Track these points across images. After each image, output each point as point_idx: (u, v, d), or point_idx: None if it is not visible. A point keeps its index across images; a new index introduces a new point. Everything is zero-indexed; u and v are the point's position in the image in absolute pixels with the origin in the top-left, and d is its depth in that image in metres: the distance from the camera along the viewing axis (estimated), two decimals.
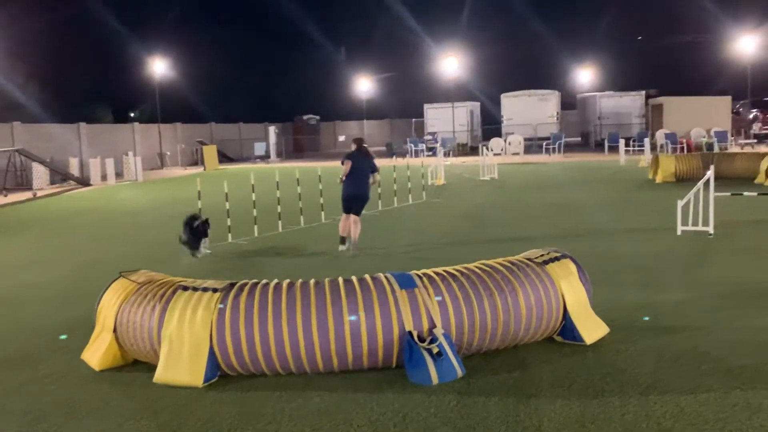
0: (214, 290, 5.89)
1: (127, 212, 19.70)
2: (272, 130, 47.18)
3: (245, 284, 5.98)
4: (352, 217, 11.68)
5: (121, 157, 35.01)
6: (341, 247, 11.71)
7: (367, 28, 76.45)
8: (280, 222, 14.22)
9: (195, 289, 5.96)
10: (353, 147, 11.84)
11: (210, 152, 39.15)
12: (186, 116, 50.05)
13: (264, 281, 6.03)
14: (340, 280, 5.96)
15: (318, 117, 59.08)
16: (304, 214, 14.94)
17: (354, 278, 5.98)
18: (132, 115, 63.44)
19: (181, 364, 5.72)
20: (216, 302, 5.78)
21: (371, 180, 11.73)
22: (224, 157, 44.99)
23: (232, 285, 5.97)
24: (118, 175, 33.67)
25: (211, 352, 5.72)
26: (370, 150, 12.28)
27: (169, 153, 44.44)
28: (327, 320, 5.63)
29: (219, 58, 67.00)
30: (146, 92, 50.22)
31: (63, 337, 7.31)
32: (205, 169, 37.54)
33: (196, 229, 11.48)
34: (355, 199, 11.65)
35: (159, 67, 44.98)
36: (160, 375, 5.77)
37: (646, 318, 7.08)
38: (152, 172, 38.18)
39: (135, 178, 32.81)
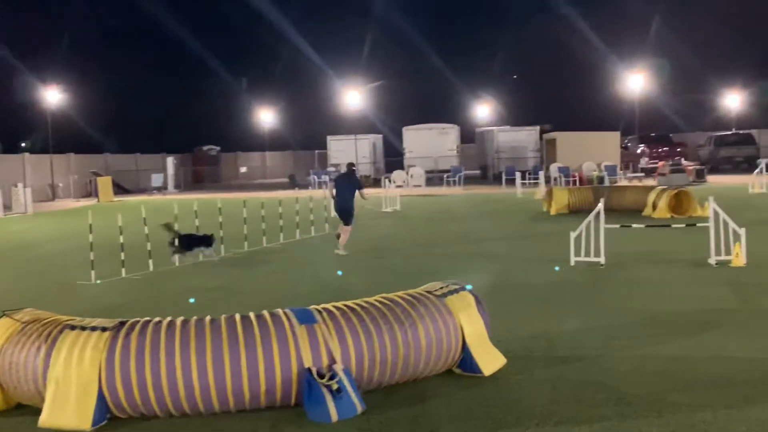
0: (103, 329, 5.64)
1: (15, 246, 18.79)
2: (170, 160, 46.22)
3: (136, 322, 5.75)
4: (342, 226, 14.67)
5: (10, 188, 33.46)
6: (336, 250, 14.57)
7: (269, 59, 76.37)
8: (176, 256, 13.85)
9: (83, 328, 5.69)
10: (344, 170, 15.56)
11: (104, 183, 37.95)
12: (80, 146, 48.41)
13: (156, 319, 5.82)
14: (237, 316, 5.81)
15: (218, 148, 58.29)
16: None
17: (251, 314, 5.86)
18: (23, 145, 60.90)
19: (68, 406, 5.44)
20: (105, 342, 5.53)
21: (362, 194, 15.01)
22: (120, 189, 43.65)
23: (122, 323, 5.73)
24: (7, 207, 32.10)
25: (100, 394, 5.46)
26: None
27: (61, 184, 42.80)
28: (223, 359, 5.47)
29: (116, 87, 65.44)
30: (38, 122, 48.40)
31: None
32: (98, 201, 36.32)
33: (187, 242, 13.79)
34: (340, 212, 14.79)
35: (52, 96, 43.43)
36: (46, 419, 5.46)
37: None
38: (43, 204, 36.62)
39: (24, 210, 31.39)
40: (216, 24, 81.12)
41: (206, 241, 14.01)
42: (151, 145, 55.46)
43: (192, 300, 9.94)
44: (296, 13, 75.91)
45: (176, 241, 13.71)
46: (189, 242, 13.85)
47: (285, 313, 5.85)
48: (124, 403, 5.50)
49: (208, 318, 5.82)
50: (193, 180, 53.60)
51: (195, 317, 5.88)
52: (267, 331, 5.63)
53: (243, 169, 59.25)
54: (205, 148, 56.93)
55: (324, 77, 64.76)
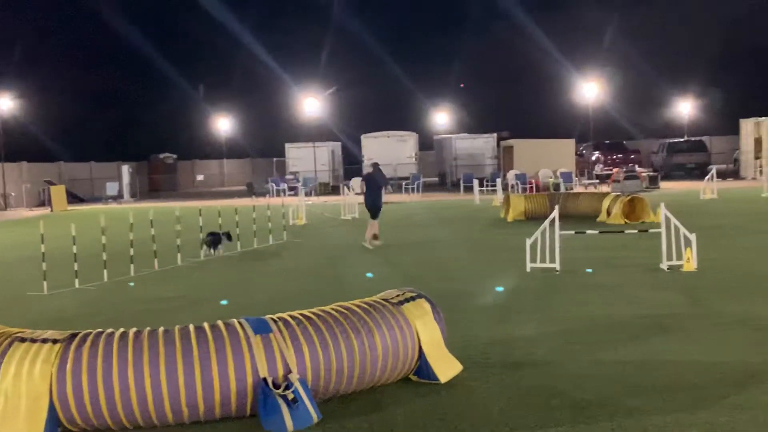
0: (54, 341, 5.54)
1: None
2: (126, 169, 45.58)
3: (88, 334, 5.66)
4: (371, 222, 16.48)
5: None
6: (364, 243, 16.58)
7: (226, 66, 75.90)
8: (132, 266, 13.66)
9: (33, 340, 5.58)
10: (371, 170, 17.31)
11: (58, 192, 37.25)
12: (33, 155, 47.45)
13: (109, 330, 5.74)
14: (191, 327, 5.76)
15: (175, 156, 57.63)
16: (158, 256, 14.44)
17: (206, 325, 5.81)
18: None
19: (17, 420, 5.33)
20: (56, 354, 5.43)
21: (384, 191, 16.88)
22: (74, 198, 42.90)
23: (74, 335, 5.64)
24: None
25: (51, 407, 5.36)
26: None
27: (13, 194, 41.89)
28: (176, 370, 5.42)
29: (70, 94, 64.41)
30: None
31: None
32: (52, 211, 35.66)
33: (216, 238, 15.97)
34: (371, 207, 16.54)
35: (3, 104, 42.57)
36: None
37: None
38: None
39: None
40: (172, 31, 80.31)
41: (227, 237, 16.21)
42: (106, 153, 54.73)
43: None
44: (254, 20, 75.68)
45: (208, 239, 15.95)
46: (215, 239, 15.93)
47: (240, 323, 5.81)
48: (76, 416, 5.41)
49: (161, 329, 5.76)
50: (149, 188, 52.91)
51: (148, 328, 5.81)
52: (221, 342, 5.58)
53: (200, 177, 58.65)
54: (162, 156, 56.25)
55: (282, 84, 64.62)
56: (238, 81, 73.42)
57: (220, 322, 5.85)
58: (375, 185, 16.79)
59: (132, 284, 12.39)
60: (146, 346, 5.53)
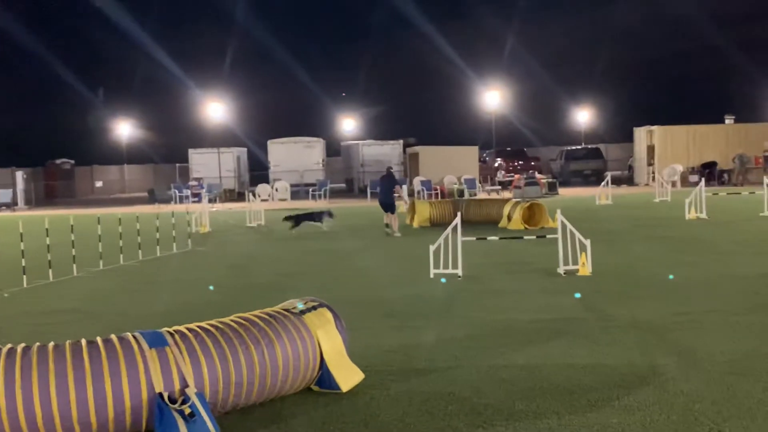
0: None
1: None
2: (20, 175, 43.75)
3: None
4: (389, 215, 19.84)
5: None
6: (387, 230, 19.84)
7: (127, 69, 73.88)
8: (24, 276, 13.10)
9: None
10: (385, 173, 20.83)
11: None
12: None
13: None
14: (83, 341, 5.57)
15: (73, 161, 55.65)
16: (53, 267, 13.89)
17: (99, 339, 5.63)
18: None
19: None
20: None
21: (396, 192, 20.10)
22: None
23: None
24: None
25: None
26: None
27: None
28: (67, 387, 5.22)
29: None
30: None
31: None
32: None
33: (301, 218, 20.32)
34: (384, 205, 20.05)
35: None
36: None
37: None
38: None
39: None
40: (69, 32, 77.64)
41: (329, 214, 20.54)
42: None
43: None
44: (156, 23, 73.98)
45: (293, 218, 20.15)
46: (298, 219, 20.42)
47: (134, 337, 5.66)
48: None
49: (51, 344, 5.54)
50: (46, 195, 50.89)
51: (38, 343, 5.58)
52: (115, 356, 5.42)
53: (99, 184, 56.85)
54: (59, 161, 54.22)
55: (186, 89, 63.41)
56: (139, 85, 71.59)
57: (113, 336, 5.68)
58: (387, 187, 20.04)
59: (6, 295, 11.85)
60: (35, 362, 5.31)
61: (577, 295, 10.25)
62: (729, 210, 23.13)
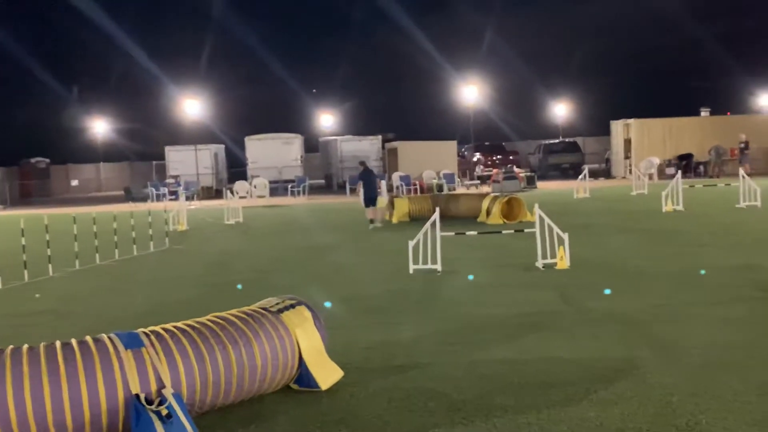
0: None
1: None
2: None
3: None
4: (372, 208, 20.30)
5: None
6: (371, 226, 20.12)
7: (102, 66, 73.21)
8: None
9: None
10: (362, 168, 21.30)
11: None
12: None
13: None
14: (58, 344, 5.49)
15: (48, 160, 55.05)
16: (28, 267, 13.71)
17: (73, 341, 5.55)
18: None
19: None
20: None
21: (378, 185, 20.87)
22: None
23: None
24: None
25: None
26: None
27: None
28: (42, 390, 5.15)
29: None
30: None
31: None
32: None
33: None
34: (368, 200, 20.37)
35: None
36: None
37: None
38: None
39: None
40: (42, 28, 76.76)
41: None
42: None
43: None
44: (131, 19, 73.27)
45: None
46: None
47: (110, 338, 5.59)
48: None
49: (25, 346, 5.46)
50: (21, 195, 50.31)
51: (11, 346, 5.50)
52: (90, 358, 5.35)
53: (74, 182, 56.28)
54: (33, 160, 53.58)
55: (161, 86, 62.91)
56: (114, 82, 70.99)
57: (88, 338, 5.61)
58: (370, 181, 20.60)
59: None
60: (8, 365, 5.22)
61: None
62: (705, 202, 23.33)
